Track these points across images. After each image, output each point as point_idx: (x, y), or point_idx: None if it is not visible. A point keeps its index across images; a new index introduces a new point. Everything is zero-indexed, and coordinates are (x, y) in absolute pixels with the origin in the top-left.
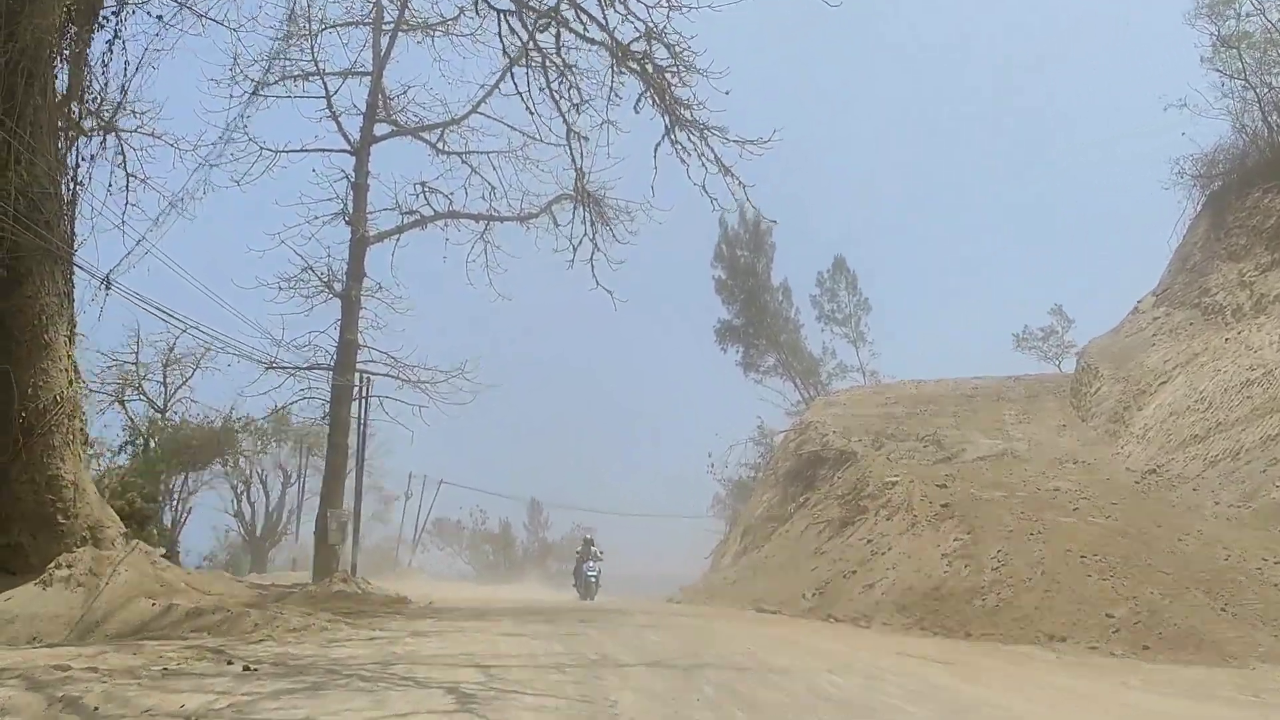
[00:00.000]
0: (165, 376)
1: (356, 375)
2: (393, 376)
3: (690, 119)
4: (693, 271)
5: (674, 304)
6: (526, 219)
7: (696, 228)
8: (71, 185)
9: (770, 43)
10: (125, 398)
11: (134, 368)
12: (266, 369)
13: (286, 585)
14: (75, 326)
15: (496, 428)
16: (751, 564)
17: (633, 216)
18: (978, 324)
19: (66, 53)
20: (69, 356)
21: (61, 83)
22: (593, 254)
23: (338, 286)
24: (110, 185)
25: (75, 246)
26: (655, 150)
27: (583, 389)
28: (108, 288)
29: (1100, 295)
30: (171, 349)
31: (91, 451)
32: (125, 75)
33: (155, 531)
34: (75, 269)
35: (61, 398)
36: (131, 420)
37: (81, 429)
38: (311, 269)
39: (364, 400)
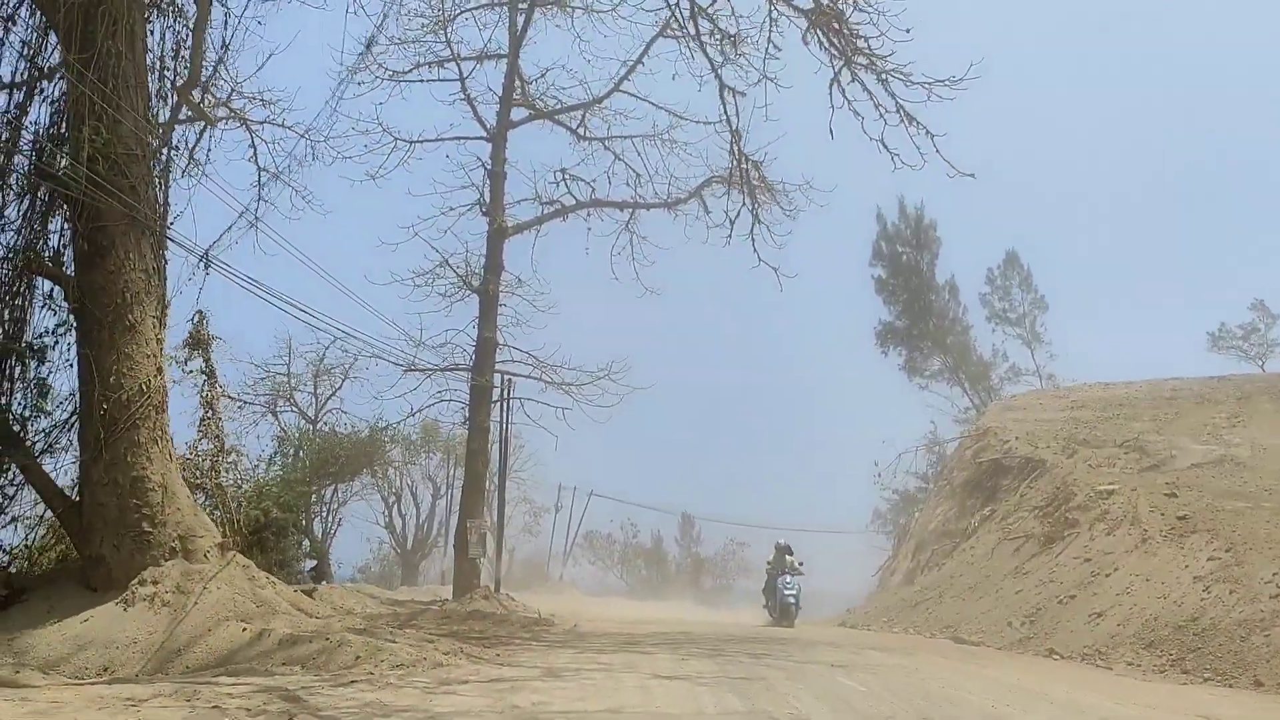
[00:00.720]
0: (316, 387)
1: (496, 376)
2: (535, 378)
3: (868, 53)
4: (849, 270)
5: (829, 306)
6: (674, 205)
7: (852, 223)
8: (165, 151)
9: None
10: (278, 408)
11: (285, 378)
12: (405, 371)
13: (425, 601)
14: (167, 308)
15: (645, 436)
16: (932, 584)
17: (790, 198)
18: (1165, 323)
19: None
20: (158, 340)
21: (155, 39)
22: (753, 227)
23: (475, 281)
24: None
25: (170, 219)
26: (830, 87)
27: (732, 394)
28: (207, 266)
29: None
30: (321, 359)
31: (230, 460)
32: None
33: (296, 542)
34: (169, 243)
35: (148, 387)
36: (284, 430)
37: (164, 425)
38: (448, 263)
39: (505, 403)
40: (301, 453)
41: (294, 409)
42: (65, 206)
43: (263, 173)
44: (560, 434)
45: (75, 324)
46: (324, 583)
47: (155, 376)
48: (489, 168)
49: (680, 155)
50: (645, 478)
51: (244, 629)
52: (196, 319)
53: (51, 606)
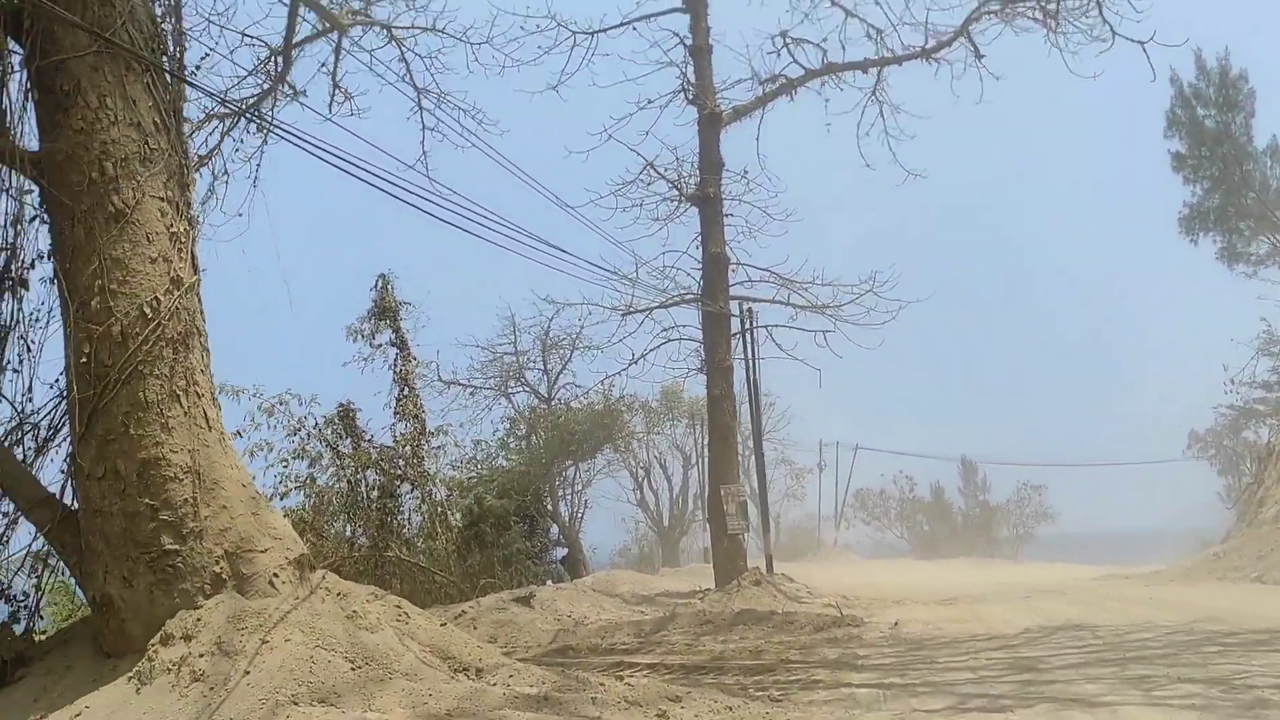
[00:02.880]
0: (545, 362)
1: (733, 304)
2: (781, 302)
3: None
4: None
5: (1122, 197)
6: (933, 53)
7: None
8: None
9: None
10: (509, 390)
11: (514, 358)
12: (624, 315)
13: (682, 595)
14: (191, 183)
15: (910, 375)
16: None
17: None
18: None
19: None
20: (173, 234)
21: None
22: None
23: (689, 186)
24: None
25: (181, 55)
26: None
27: (1004, 313)
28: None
29: None
30: (547, 333)
31: (436, 444)
32: None
33: (522, 533)
34: (190, 90)
35: (155, 309)
36: (516, 411)
37: (205, 368)
38: (653, 167)
39: (748, 334)
40: (534, 435)
41: (526, 389)
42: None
43: (422, 93)
44: (825, 368)
45: (48, 224)
46: (562, 580)
47: (169, 293)
48: (690, 42)
49: None
50: (916, 425)
51: (326, 710)
52: (380, 283)
53: (48, 684)
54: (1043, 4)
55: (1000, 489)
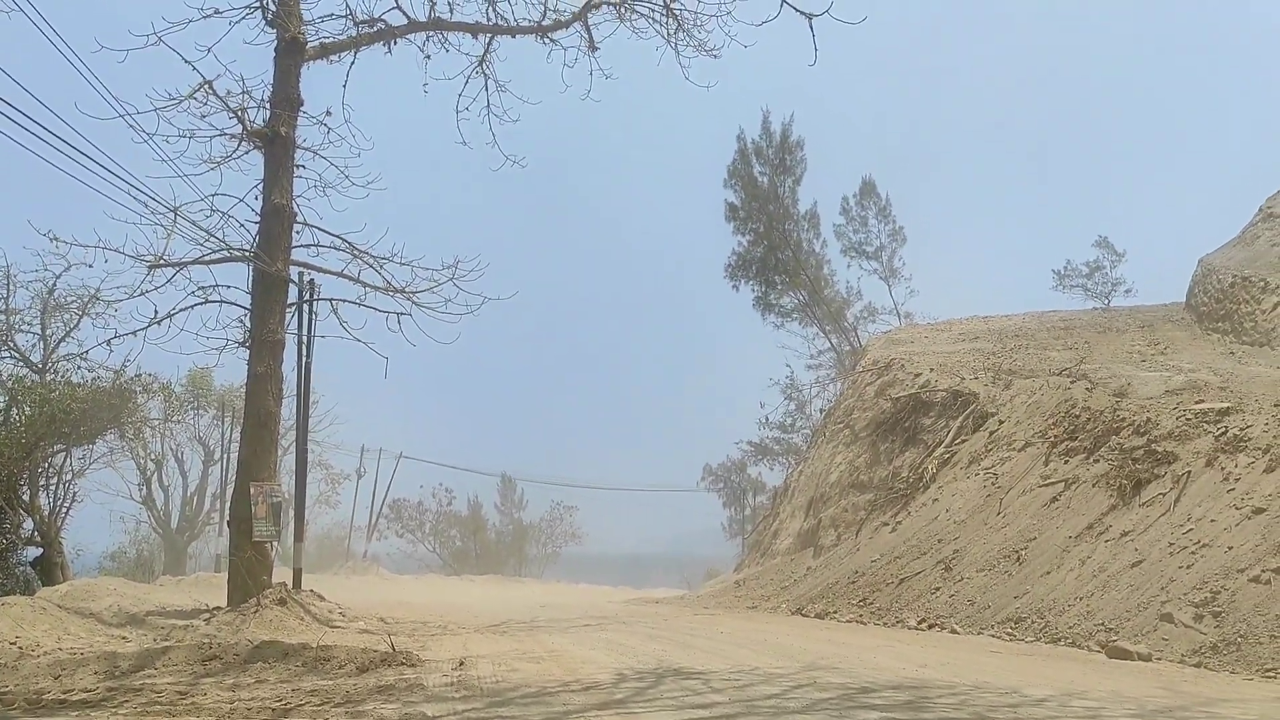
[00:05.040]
0: (45, 326)
1: (293, 270)
2: (349, 277)
3: None
4: (701, 203)
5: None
6: (549, 31)
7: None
8: None
9: None
10: None
11: (3, 316)
12: (151, 267)
13: (182, 614)
14: None
15: (462, 387)
16: (886, 550)
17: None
18: (1001, 262)
19: None
20: None
21: None
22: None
23: (257, 120)
24: None
25: None
26: None
27: (556, 333)
28: None
29: (1148, 225)
30: (51, 291)
31: None
32: None
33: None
34: None
35: None
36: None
37: None
38: (211, 88)
39: (306, 307)
40: (16, 409)
41: (14, 354)
42: None
43: None
44: (392, 357)
45: None
46: (31, 587)
47: None
48: None
49: None
50: (461, 438)
51: None
52: None
53: None
54: (667, 1)
55: (536, 507)
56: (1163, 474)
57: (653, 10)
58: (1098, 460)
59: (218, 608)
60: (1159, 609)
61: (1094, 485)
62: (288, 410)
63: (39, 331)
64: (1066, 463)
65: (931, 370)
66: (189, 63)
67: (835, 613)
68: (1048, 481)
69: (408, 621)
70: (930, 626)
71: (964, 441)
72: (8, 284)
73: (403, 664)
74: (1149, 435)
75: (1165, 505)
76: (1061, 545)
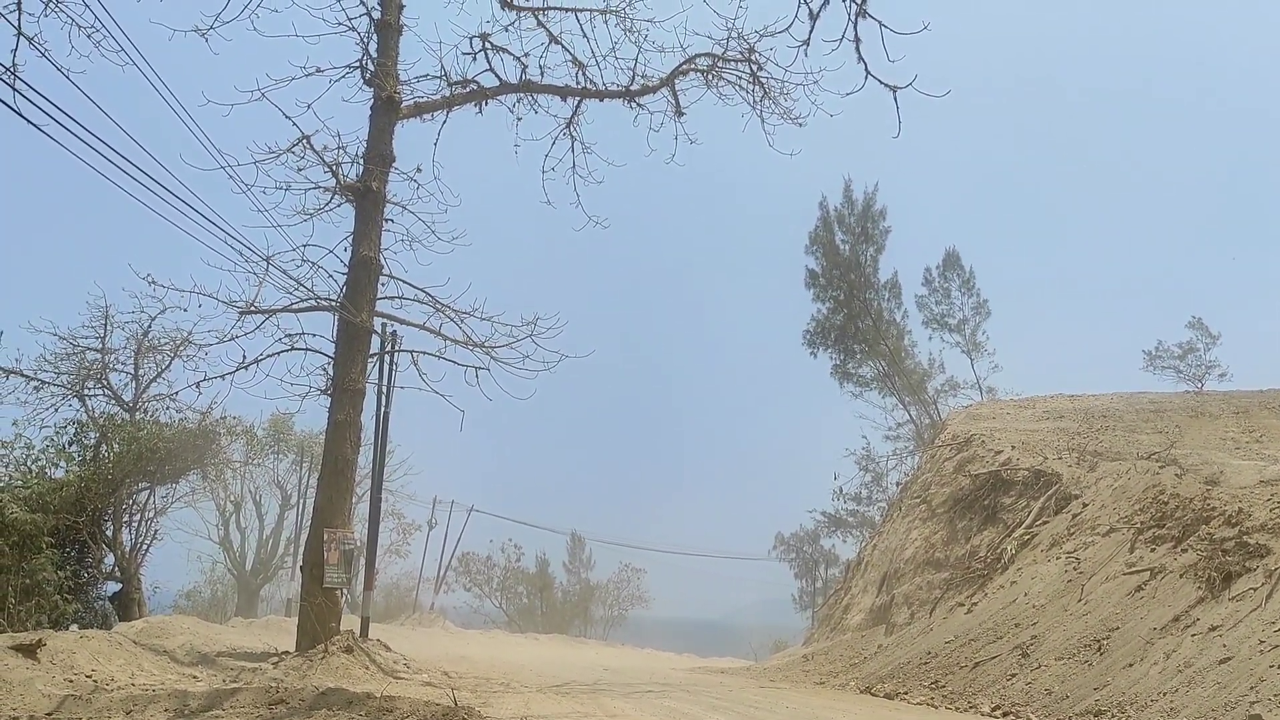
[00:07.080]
0: (138, 367)
1: (376, 321)
2: (430, 330)
3: None
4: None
5: (758, 311)
6: (638, 95)
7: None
8: None
9: None
10: (85, 390)
11: (99, 355)
12: (242, 314)
13: (251, 656)
14: None
15: (535, 443)
16: (961, 631)
17: (792, 98)
18: (1089, 339)
19: None
20: None
21: None
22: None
23: (351, 174)
24: None
25: None
26: None
27: (631, 393)
28: None
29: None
30: (146, 332)
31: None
32: None
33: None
34: None
35: None
36: (91, 416)
37: None
38: (309, 142)
39: (387, 358)
40: (106, 446)
41: (107, 392)
42: None
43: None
44: (469, 407)
45: None
46: (109, 621)
47: None
48: (378, 15)
49: (638, 41)
50: (532, 495)
51: None
52: None
53: None
54: (754, 69)
55: (604, 568)
56: (1254, 567)
57: (739, 78)
58: (1186, 550)
59: (286, 651)
60: (1247, 709)
61: (1181, 576)
62: (364, 458)
63: (132, 371)
64: (1153, 551)
65: (1013, 448)
66: (289, 118)
67: (906, 694)
68: (1133, 569)
69: (470, 676)
70: (1005, 715)
71: (1045, 523)
72: (105, 324)
73: (465, 718)
74: (1241, 526)
75: (1256, 600)
76: (1146, 637)
